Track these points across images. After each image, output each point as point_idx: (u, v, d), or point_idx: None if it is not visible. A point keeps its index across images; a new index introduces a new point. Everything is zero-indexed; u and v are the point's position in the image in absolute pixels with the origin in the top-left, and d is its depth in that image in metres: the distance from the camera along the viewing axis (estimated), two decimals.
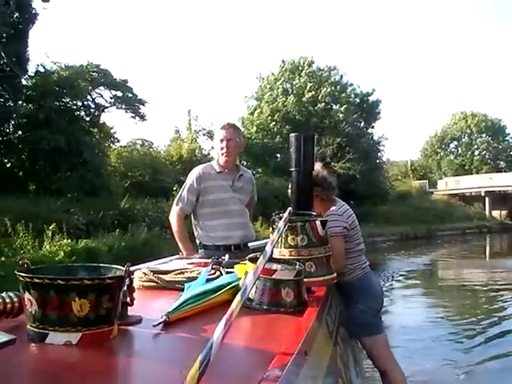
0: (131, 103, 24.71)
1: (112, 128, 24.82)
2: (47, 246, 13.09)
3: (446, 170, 58.55)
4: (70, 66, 21.91)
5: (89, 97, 23.06)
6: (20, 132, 20.70)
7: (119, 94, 24.58)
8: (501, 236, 36.20)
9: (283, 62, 38.59)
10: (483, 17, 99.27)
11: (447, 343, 8.01)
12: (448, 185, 50.19)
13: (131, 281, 1.72)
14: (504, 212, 45.98)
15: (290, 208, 2.56)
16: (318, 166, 3.48)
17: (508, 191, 44.84)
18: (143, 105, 25.19)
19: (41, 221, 13.66)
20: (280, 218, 2.37)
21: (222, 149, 4.05)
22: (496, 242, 33.50)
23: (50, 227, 13.31)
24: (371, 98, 38.57)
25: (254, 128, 36.07)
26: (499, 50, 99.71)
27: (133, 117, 25.09)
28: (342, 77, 38.33)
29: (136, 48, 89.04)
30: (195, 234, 4.15)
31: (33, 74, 20.98)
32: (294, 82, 36.88)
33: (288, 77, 37.67)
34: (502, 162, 60.16)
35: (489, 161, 59.16)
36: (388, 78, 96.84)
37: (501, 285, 14.42)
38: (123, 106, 24.75)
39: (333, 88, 36.78)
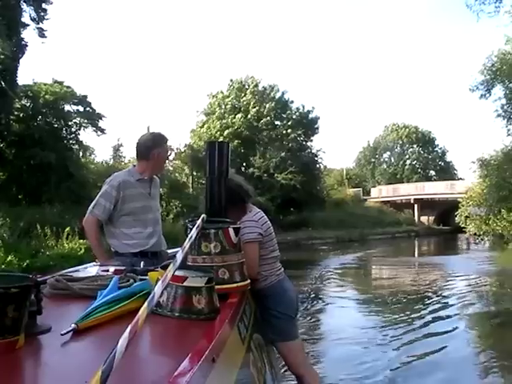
0: (91, 118, 25.11)
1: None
2: (70, 244, 15.70)
3: (379, 179, 59.90)
4: (54, 91, 23.49)
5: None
6: (12, 149, 22.62)
7: (80, 108, 25.11)
8: (428, 239, 38.10)
9: (231, 80, 39.52)
10: (415, 34, 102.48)
11: (371, 335, 8.06)
12: (381, 192, 51.44)
13: (39, 289, 1.63)
14: (431, 217, 47.40)
15: (203, 215, 2.45)
16: (233, 173, 3.38)
17: (434, 199, 46.34)
18: (101, 119, 25.62)
19: (48, 225, 15.96)
20: (194, 225, 2.26)
21: (165, 161, 4.12)
22: (423, 244, 35.26)
23: (66, 230, 15.87)
24: (311, 115, 39.88)
25: (203, 142, 36.64)
26: (429, 67, 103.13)
27: (94, 130, 25.48)
28: (283, 95, 39.54)
29: (93, 64, 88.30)
30: (111, 242, 3.96)
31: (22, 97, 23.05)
32: (242, 100, 37.77)
33: (236, 95, 38.47)
34: (431, 171, 62.12)
35: (419, 170, 61.01)
36: (326, 89, 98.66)
37: (425, 278, 15.62)
38: (85, 121, 25.12)
39: (276, 105, 37.99)
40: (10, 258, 13.77)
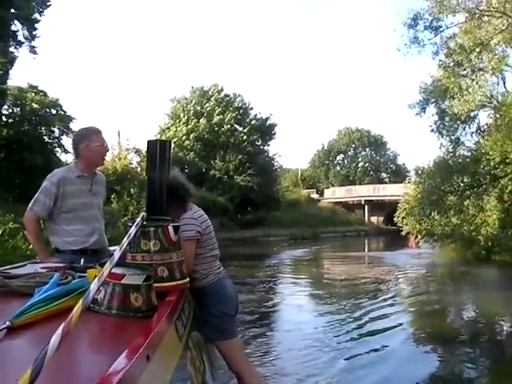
0: (64, 120, 26.39)
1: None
2: None
3: (333, 180, 61.32)
4: (40, 100, 25.29)
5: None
6: (1, 152, 24.18)
7: (53, 111, 26.44)
8: (376, 238, 40.11)
9: (192, 87, 41.07)
10: (367, 41, 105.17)
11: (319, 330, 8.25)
12: (335, 193, 53.10)
13: None
14: (381, 218, 48.88)
15: (143, 213, 2.46)
16: (175, 172, 3.35)
17: (384, 200, 48.24)
18: (71, 121, 26.84)
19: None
20: (133, 223, 2.24)
21: (103, 153, 3.92)
22: (371, 242, 37.64)
23: None
24: (269, 121, 41.90)
25: None
26: (383, 73, 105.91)
27: (66, 133, 26.54)
28: (244, 102, 41.46)
29: (60, 66, 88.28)
30: (51, 239, 3.85)
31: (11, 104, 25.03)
32: (205, 106, 39.47)
33: (197, 101, 40.15)
34: (383, 174, 63.82)
35: (371, 172, 62.46)
36: (284, 92, 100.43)
37: (375, 269, 18.16)
38: (57, 123, 26.33)
39: (237, 112, 39.91)
40: (32, 245, 16.50)
